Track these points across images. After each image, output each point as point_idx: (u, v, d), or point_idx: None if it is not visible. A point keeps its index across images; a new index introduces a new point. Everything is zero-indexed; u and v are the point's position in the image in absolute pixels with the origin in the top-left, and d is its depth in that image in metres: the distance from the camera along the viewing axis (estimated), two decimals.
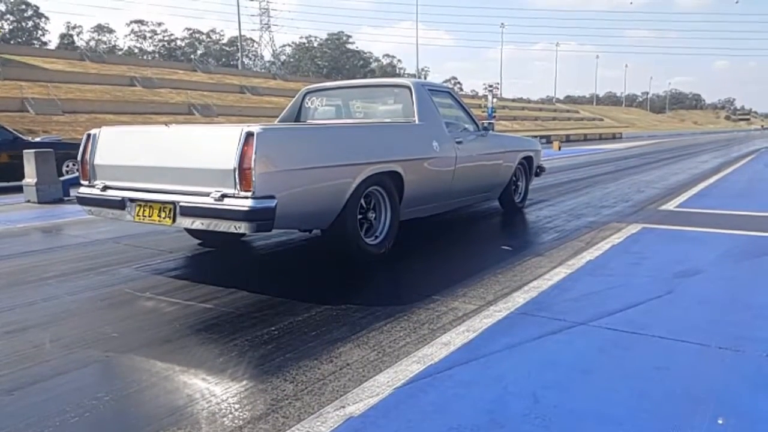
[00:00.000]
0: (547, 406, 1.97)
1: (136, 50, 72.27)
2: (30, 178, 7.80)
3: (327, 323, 2.81)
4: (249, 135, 3.09)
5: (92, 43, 70.37)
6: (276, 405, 2.01)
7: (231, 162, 3.11)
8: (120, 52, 66.32)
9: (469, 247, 4.76)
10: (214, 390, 2.15)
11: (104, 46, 69.58)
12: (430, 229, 5.30)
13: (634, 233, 4.90)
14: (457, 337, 2.58)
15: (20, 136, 10.75)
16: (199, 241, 4.64)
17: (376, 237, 4.08)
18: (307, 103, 5.47)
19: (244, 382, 2.20)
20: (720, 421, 1.86)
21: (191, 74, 39.33)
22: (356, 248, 3.87)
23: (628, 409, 1.98)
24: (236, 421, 1.91)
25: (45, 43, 61.01)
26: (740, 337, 2.54)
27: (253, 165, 3.06)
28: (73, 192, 8.28)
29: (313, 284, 3.61)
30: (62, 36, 68.43)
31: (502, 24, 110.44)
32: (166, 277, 3.74)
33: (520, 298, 3.12)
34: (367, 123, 4.70)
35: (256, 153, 3.06)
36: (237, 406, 2.02)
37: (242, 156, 3.08)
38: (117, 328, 2.84)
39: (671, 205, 6.58)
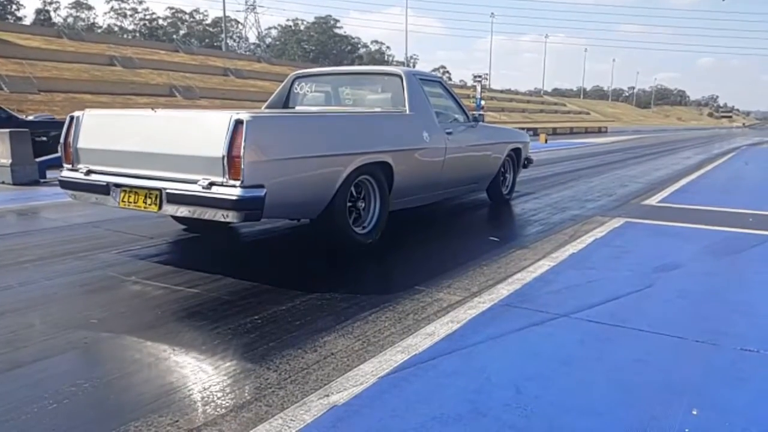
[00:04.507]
0: (528, 397, 1.99)
1: (116, 29, 70.51)
2: (4, 158, 7.60)
3: (311, 312, 2.80)
4: (238, 123, 3.04)
5: (70, 20, 68.48)
6: (259, 393, 2.00)
7: (219, 150, 3.06)
8: (99, 30, 64.61)
9: (455, 238, 4.78)
10: (196, 378, 2.13)
11: (82, 24, 67.77)
12: (416, 220, 5.30)
13: (616, 227, 4.97)
14: (441, 328, 2.59)
15: (14, 114, 10.82)
16: (184, 227, 4.59)
17: (364, 227, 4.06)
18: (295, 89, 5.40)
19: (227, 371, 2.19)
20: (694, 412, 1.91)
21: (173, 55, 38.46)
22: (345, 238, 3.86)
23: (607, 400, 2.02)
24: (219, 409, 1.90)
25: (20, 19, 59.11)
26: (717, 332, 2.59)
27: (242, 153, 3.02)
28: (50, 174, 8.12)
29: (298, 273, 3.59)
30: (38, 11, 66.43)
31: (492, 14, 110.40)
32: (147, 263, 3.69)
33: (504, 290, 3.14)
34: (359, 112, 4.67)
35: (245, 141, 3.01)
36: (220, 394, 2.01)
37: (231, 144, 3.03)
38: (97, 313, 2.80)
39: (654, 200, 6.67)
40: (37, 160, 7.97)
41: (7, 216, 5.55)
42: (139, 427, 1.79)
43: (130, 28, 72.53)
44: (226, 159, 3.05)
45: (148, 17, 74.09)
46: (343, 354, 2.32)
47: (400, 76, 4.75)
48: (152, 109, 3.62)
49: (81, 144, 3.78)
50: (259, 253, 4.22)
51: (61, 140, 3.89)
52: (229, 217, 3.14)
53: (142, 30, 72.60)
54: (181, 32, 74.96)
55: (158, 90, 29.89)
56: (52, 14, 68.00)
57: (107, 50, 33.39)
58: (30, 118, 11.63)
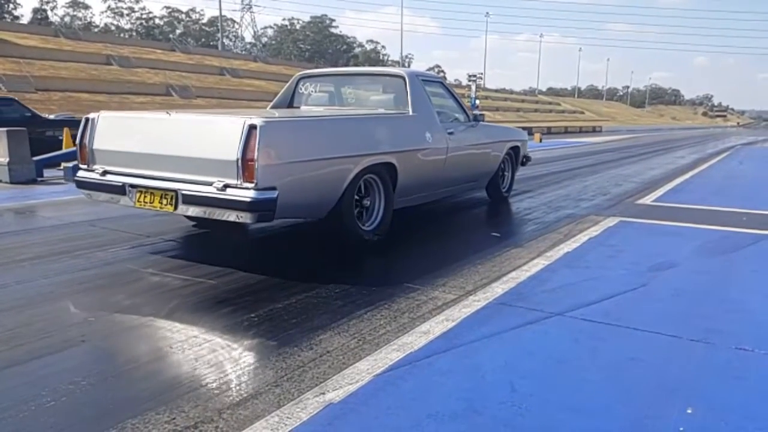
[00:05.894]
0: (523, 395, 2.00)
1: (113, 28, 70.26)
2: (2, 157, 7.57)
3: (307, 311, 2.81)
4: (252, 127, 3.14)
5: (67, 19, 68.27)
6: (255, 391, 2.01)
7: (234, 153, 3.16)
8: (96, 30, 64.42)
9: (451, 237, 4.80)
10: (193, 375, 2.14)
11: (79, 23, 67.55)
12: (411, 218, 5.31)
13: (611, 226, 4.99)
14: (436, 326, 2.60)
15: (38, 113, 11.49)
16: (193, 223, 4.65)
17: (370, 225, 4.15)
18: (300, 89, 5.50)
19: (224, 368, 2.20)
20: (689, 411, 1.92)
21: (169, 54, 38.34)
22: (352, 235, 3.96)
23: (602, 398, 2.03)
24: (215, 407, 1.91)
25: (17, 18, 58.95)
26: (711, 330, 2.61)
27: (256, 157, 3.12)
28: (47, 172, 8.10)
29: (294, 271, 3.59)
30: (35, 11, 66.19)
31: (487, 13, 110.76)
32: (142, 262, 3.69)
33: (498, 289, 3.16)
34: (365, 115, 4.74)
35: (259, 145, 3.12)
36: (216, 391, 2.01)
37: (245, 148, 3.14)
38: (93, 312, 2.80)
39: (648, 199, 6.70)
40: (35, 158, 7.96)
41: (4, 215, 5.53)
42: (136, 424, 1.80)
43: (127, 27, 72.34)
44: (240, 162, 3.15)
45: (144, 16, 73.93)
46: (338, 352, 2.33)
47: (403, 78, 4.85)
48: (167, 112, 3.71)
49: (96, 145, 3.87)
50: (255, 251, 4.23)
51: (77, 141, 3.98)
52: (243, 218, 3.25)
53: (139, 29, 72.37)
54: (178, 31, 74.76)
55: (155, 89, 29.80)
56: (49, 13, 67.79)
57: (104, 49, 33.30)
58: (51, 117, 12.30)
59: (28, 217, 5.52)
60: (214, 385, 2.06)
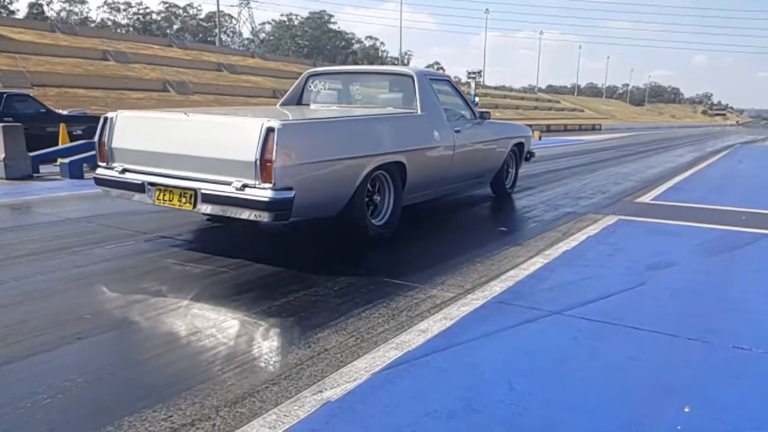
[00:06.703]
0: (521, 394, 2.00)
1: (110, 23, 70.05)
2: None
3: (305, 308, 2.81)
4: (270, 130, 3.22)
5: (63, 14, 68.02)
6: (253, 389, 2.01)
7: (252, 154, 3.25)
8: (92, 25, 64.20)
9: (449, 234, 4.79)
10: (189, 373, 2.13)
11: (76, 18, 67.34)
12: (410, 216, 5.30)
13: (609, 225, 4.99)
14: (434, 325, 2.60)
15: (52, 109, 11.76)
16: (208, 217, 4.68)
17: (380, 220, 4.21)
18: (309, 86, 5.57)
19: (220, 367, 2.19)
20: (686, 409, 1.93)
21: (167, 50, 38.17)
22: (363, 231, 4.04)
23: (599, 397, 2.03)
24: (212, 405, 1.90)
25: (12, 12, 58.71)
26: (709, 330, 2.61)
27: (274, 158, 3.20)
28: (43, 168, 8.07)
29: (292, 269, 3.58)
30: (31, 5, 65.82)
31: (487, 10, 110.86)
32: (139, 259, 3.68)
33: (497, 287, 3.16)
34: (377, 115, 4.77)
35: (276, 147, 3.20)
36: (213, 389, 2.01)
37: (263, 149, 3.24)
38: (90, 309, 2.79)
39: (647, 198, 6.70)
40: (31, 154, 7.92)
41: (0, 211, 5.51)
42: (133, 422, 1.79)
43: (124, 22, 72.09)
44: (258, 163, 3.23)
45: (141, 12, 73.68)
46: (336, 350, 2.33)
47: (411, 77, 4.92)
48: (185, 112, 3.77)
49: (115, 144, 3.94)
50: (252, 248, 4.21)
51: (96, 139, 4.05)
52: (261, 217, 3.33)
53: (136, 24, 72.10)
54: (175, 27, 74.53)
55: (152, 85, 29.72)
56: (45, 8, 67.44)
57: (100, 45, 33.16)
58: (65, 112, 12.63)
59: (24, 213, 5.50)
60: (210, 383, 2.05)
